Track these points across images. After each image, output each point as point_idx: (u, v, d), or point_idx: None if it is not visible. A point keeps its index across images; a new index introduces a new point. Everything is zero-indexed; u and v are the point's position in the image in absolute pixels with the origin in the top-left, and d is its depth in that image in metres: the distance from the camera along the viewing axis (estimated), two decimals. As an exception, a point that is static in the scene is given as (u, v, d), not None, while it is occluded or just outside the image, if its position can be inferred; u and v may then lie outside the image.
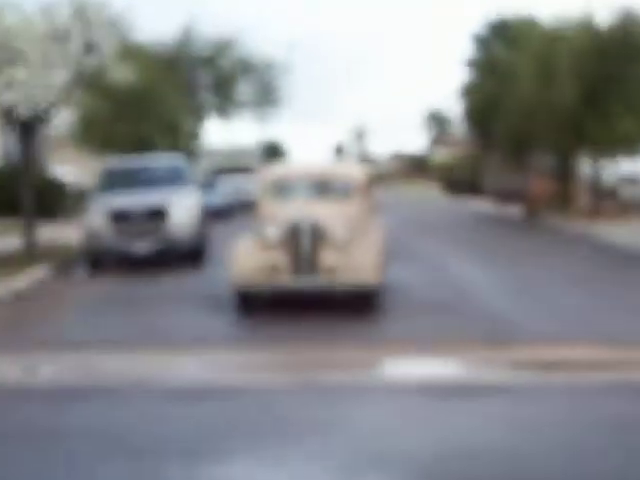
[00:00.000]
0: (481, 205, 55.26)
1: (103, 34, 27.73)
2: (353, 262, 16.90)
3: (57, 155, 56.10)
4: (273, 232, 17.37)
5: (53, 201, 42.94)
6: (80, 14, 27.51)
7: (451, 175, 72.28)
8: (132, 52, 33.40)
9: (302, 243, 17.16)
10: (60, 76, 27.27)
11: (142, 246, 26.18)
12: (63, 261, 27.46)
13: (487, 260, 27.86)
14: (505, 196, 51.30)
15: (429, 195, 74.52)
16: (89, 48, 27.59)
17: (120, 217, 26.79)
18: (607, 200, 43.73)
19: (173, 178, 29.66)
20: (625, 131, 37.81)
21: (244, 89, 61.44)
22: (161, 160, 34.47)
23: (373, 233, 19.29)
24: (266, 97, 61.57)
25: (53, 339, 16.82)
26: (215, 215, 39.47)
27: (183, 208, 27.03)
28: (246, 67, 60.37)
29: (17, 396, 13.23)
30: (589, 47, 38.16)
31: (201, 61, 59.37)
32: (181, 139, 54.59)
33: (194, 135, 59.79)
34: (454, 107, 65.55)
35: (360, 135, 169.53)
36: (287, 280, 17.18)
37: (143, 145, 44.26)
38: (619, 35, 38.14)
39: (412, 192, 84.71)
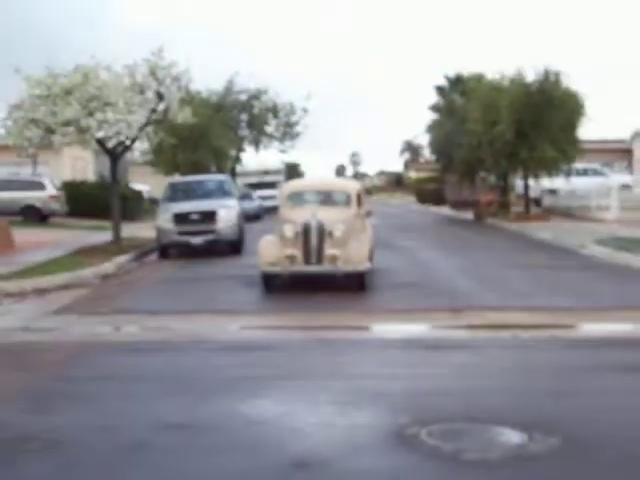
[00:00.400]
0: (443, 210, 55.16)
1: (170, 86, 27.85)
2: (349, 253, 17.44)
3: (135, 174, 56.22)
4: (289, 230, 17.88)
5: (133, 208, 42.98)
6: (153, 72, 27.62)
7: (422, 189, 72.17)
8: (191, 98, 33.36)
9: (311, 239, 17.64)
10: (138, 118, 27.37)
11: (197, 239, 26.38)
12: (140, 251, 27.50)
13: (447, 249, 27.80)
14: (461, 204, 51.40)
15: (406, 203, 74.29)
16: (160, 97, 27.68)
17: (180, 218, 26.84)
18: (534, 207, 43.90)
19: (220, 191, 29.99)
20: (546, 157, 38.19)
21: (272, 126, 61.32)
22: (211, 178, 34.80)
23: (365, 231, 19.48)
24: (288, 132, 61.41)
25: (133, 307, 16.86)
26: (250, 217, 39.64)
27: (227, 212, 27.16)
28: (274, 110, 60.25)
29: (107, 349, 13.23)
30: (520, 96, 38.48)
31: (240, 105, 59.23)
32: (225, 162, 54.64)
33: (235, 159, 59.82)
34: (423, 139, 65.53)
35: (355, 158, 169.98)
36: (300, 266, 17.66)
37: (197, 167, 44.38)
38: (541, 88, 38.43)
39: (393, 201, 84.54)
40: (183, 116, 29.09)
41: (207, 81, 61.01)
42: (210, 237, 26.57)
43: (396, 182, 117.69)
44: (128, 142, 28.86)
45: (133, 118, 27.25)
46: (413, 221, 45.71)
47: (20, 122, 27.41)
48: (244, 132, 61.18)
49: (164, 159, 46.16)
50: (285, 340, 13.34)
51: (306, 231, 17.72)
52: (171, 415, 8.95)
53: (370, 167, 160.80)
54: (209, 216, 26.88)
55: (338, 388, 10.11)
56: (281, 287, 18.32)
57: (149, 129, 28.71)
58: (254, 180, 57.68)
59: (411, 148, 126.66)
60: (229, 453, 7.70)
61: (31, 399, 9.89)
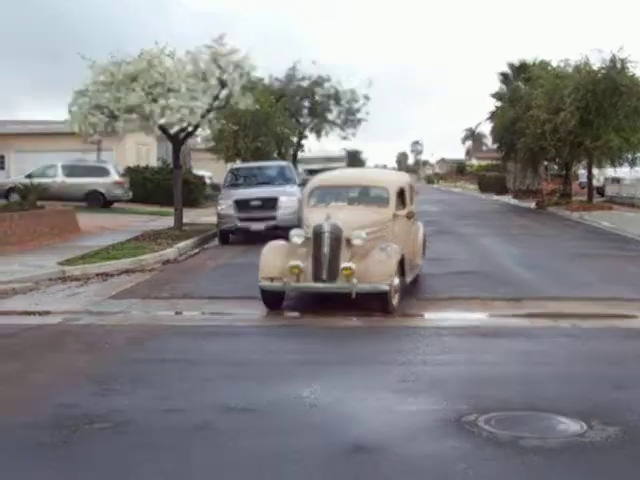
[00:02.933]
0: (505, 199, 54.77)
1: (232, 73, 27.94)
2: (369, 267, 13.92)
3: (197, 160, 56.41)
4: (298, 237, 14.74)
5: (195, 194, 43.22)
6: (215, 59, 27.74)
7: (483, 177, 71.77)
8: (253, 85, 33.47)
9: (322, 248, 14.11)
10: (201, 104, 27.53)
11: (258, 226, 26.41)
12: (201, 237, 27.65)
13: (508, 237, 27.73)
14: (523, 192, 51.13)
15: (467, 191, 73.88)
16: (222, 84, 27.81)
17: (241, 205, 26.95)
18: (597, 196, 43.52)
19: (281, 177, 30.02)
20: (611, 146, 37.88)
21: (333, 113, 61.26)
22: (272, 164, 34.83)
23: (403, 237, 15.86)
24: (350, 119, 61.31)
25: (194, 292, 16.98)
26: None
27: (288, 199, 27.06)
28: (335, 97, 60.19)
29: (168, 332, 13.37)
30: (585, 84, 38.13)
31: (302, 92, 59.24)
32: (287, 149, 54.78)
33: (297, 146, 59.93)
34: (485, 126, 65.21)
35: (416, 147, 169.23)
36: (307, 282, 14.23)
37: (259, 154, 44.47)
38: (606, 76, 37.97)
39: (455, 189, 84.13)
40: (245, 103, 29.27)
41: (270, 68, 60.98)
42: (271, 223, 26.26)
43: (458, 170, 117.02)
44: (190, 128, 29.07)
45: (195, 104, 27.43)
46: (473, 209, 45.42)
47: (84, 108, 27.70)
48: (306, 119, 61.12)
49: (226, 146, 46.27)
50: (345, 326, 13.43)
51: (317, 238, 14.25)
52: (233, 398, 9.04)
53: (432, 155, 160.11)
54: (270, 203, 26.85)
55: (397, 374, 10.18)
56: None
57: (211, 116, 28.86)
58: (315, 167, 57.48)
59: (473, 136, 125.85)
60: (290, 436, 7.80)
61: (97, 381, 10.03)
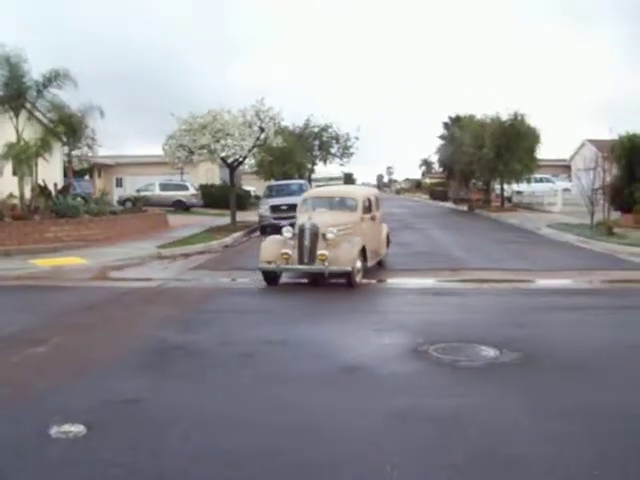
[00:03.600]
0: (447, 204, 54.45)
1: (269, 123, 27.99)
2: (338, 254, 13.23)
3: (245, 180, 56.41)
4: (287, 231, 14.11)
5: (244, 202, 43.05)
6: (258, 114, 27.79)
7: (433, 190, 71.44)
8: (282, 130, 33.43)
9: (304, 240, 13.60)
10: (248, 143, 27.57)
11: (285, 222, 26.28)
12: (248, 230, 27.61)
13: (448, 229, 27.56)
14: (459, 200, 50.73)
15: (422, 200, 73.57)
16: (261, 129, 27.82)
17: (275, 208, 26.93)
18: (507, 202, 43.51)
19: (300, 190, 29.62)
20: (515, 170, 38.17)
21: (334, 148, 61.17)
22: (294, 182, 34.72)
23: (369, 233, 15.05)
24: (345, 152, 61.24)
25: (244, 266, 16.90)
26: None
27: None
28: (336, 138, 60.12)
29: (227, 292, 13.35)
30: (498, 130, 38.41)
31: (314, 135, 59.16)
32: (304, 172, 54.71)
33: (310, 170, 59.90)
34: (434, 157, 65.12)
35: (390, 169, 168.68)
36: (293, 265, 13.61)
37: (286, 175, 44.42)
38: (512, 125, 38.24)
39: (414, 198, 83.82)
40: (277, 142, 29.36)
41: (292, 118, 60.77)
42: (294, 220, 26.17)
43: (417, 186, 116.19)
44: (241, 159, 29.09)
45: (244, 143, 27.51)
46: (426, 211, 45.26)
47: (172, 146, 27.80)
48: (316, 152, 60.94)
49: (264, 170, 46.21)
50: (332, 290, 13.38)
51: (301, 233, 13.76)
52: (269, 334, 9.04)
53: (400, 175, 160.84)
54: (293, 206, 26.65)
55: (374, 319, 10.17)
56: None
57: (254, 150, 28.91)
58: (322, 183, 57.39)
59: (426, 163, 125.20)
60: (304, 360, 7.78)
61: (179, 323, 10.04)
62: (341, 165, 65.98)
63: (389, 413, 5.85)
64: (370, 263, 14.68)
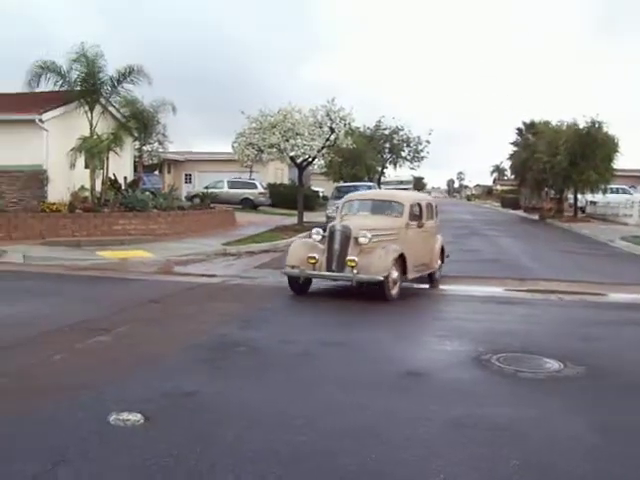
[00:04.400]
0: (518, 212, 53.61)
1: (339, 124, 28.03)
2: (370, 261, 11.87)
3: (315, 180, 56.66)
4: (317, 235, 12.98)
5: (311, 202, 43.27)
6: (328, 114, 27.87)
7: (504, 197, 70.41)
8: (352, 132, 33.42)
9: (334, 244, 12.26)
10: (317, 143, 27.67)
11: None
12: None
13: (517, 237, 27.21)
14: (530, 209, 50.00)
15: (493, 207, 72.56)
16: (332, 130, 27.87)
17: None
18: (580, 212, 42.67)
19: (368, 193, 29.90)
20: (590, 179, 37.37)
21: (405, 152, 60.75)
22: (364, 184, 34.74)
23: (414, 242, 13.28)
24: (416, 156, 60.73)
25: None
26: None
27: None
28: (407, 141, 59.72)
29: (290, 291, 13.34)
30: (574, 137, 37.57)
31: (385, 137, 58.85)
32: (374, 175, 54.69)
33: (380, 173, 59.76)
34: (506, 163, 64.22)
35: (460, 175, 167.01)
36: (320, 271, 12.28)
37: (355, 177, 44.42)
38: (588, 132, 37.40)
39: (485, 205, 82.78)
40: (346, 143, 29.33)
41: (363, 120, 60.65)
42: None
43: (487, 192, 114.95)
44: (310, 159, 29.24)
45: (314, 144, 27.62)
46: (496, 218, 44.66)
47: (242, 144, 28.12)
48: (386, 155, 60.61)
49: (333, 171, 46.39)
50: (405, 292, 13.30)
51: (331, 235, 12.42)
52: (330, 336, 9.06)
53: (470, 181, 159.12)
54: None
55: (437, 325, 10.09)
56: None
57: (324, 151, 28.98)
58: (392, 187, 57.47)
59: (498, 169, 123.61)
60: (364, 362, 7.75)
61: (241, 320, 10.13)
62: (411, 169, 65.72)
63: (448, 420, 5.79)
64: (411, 275, 13.07)
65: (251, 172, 47.22)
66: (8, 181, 23.18)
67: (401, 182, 64.35)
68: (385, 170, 63.99)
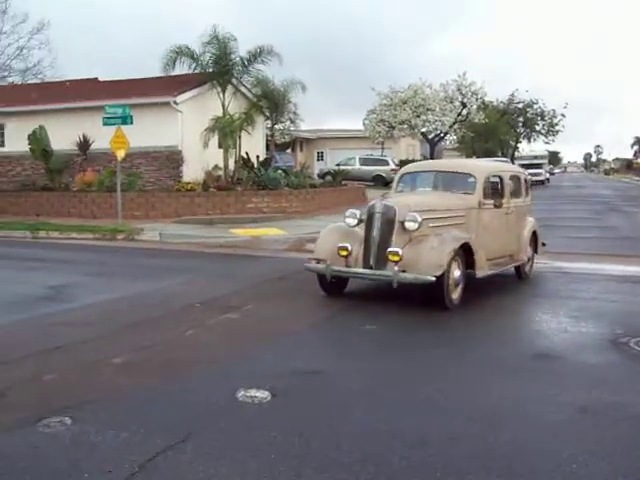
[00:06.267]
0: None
1: (470, 98, 27.49)
2: (417, 254, 8.77)
3: (447, 156, 55.90)
4: (352, 218, 9.70)
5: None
6: (459, 88, 27.39)
7: (645, 172, 67.46)
8: (485, 106, 32.66)
9: (373, 231, 9.14)
10: (449, 119, 27.24)
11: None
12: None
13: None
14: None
15: (633, 182, 69.20)
16: (463, 105, 27.47)
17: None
18: None
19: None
20: None
21: (539, 126, 58.89)
22: (497, 160, 33.85)
23: (493, 227, 10.37)
24: (551, 130, 58.75)
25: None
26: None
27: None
28: (541, 115, 57.82)
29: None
30: None
31: (518, 111, 57.31)
32: (507, 150, 53.45)
33: (514, 148, 58.29)
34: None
35: (598, 149, 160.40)
36: (353, 267, 9.27)
37: (488, 153, 43.51)
38: None
39: (624, 179, 79.00)
40: (479, 118, 28.74)
41: (495, 93, 59.35)
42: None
43: (627, 166, 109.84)
44: (442, 135, 28.87)
45: (445, 119, 27.30)
46: (636, 194, 42.57)
47: (373, 121, 28.19)
48: (520, 129, 59.06)
49: (465, 146, 45.86)
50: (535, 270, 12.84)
51: (369, 219, 9.30)
52: (458, 315, 8.88)
53: (609, 155, 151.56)
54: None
55: (572, 306, 9.68)
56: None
57: (456, 126, 28.55)
58: (526, 162, 55.79)
59: (639, 141, 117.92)
60: (493, 344, 7.61)
61: (369, 299, 10.08)
62: (546, 143, 63.74)
63: (580, 407, 5.54)
64: (483, 272, 9.83)
65: (383, 149, 47.07)
66: (147, 162, 24.19)
67: (535, 157, 62.53)
68: (519, 145, 62.43)
